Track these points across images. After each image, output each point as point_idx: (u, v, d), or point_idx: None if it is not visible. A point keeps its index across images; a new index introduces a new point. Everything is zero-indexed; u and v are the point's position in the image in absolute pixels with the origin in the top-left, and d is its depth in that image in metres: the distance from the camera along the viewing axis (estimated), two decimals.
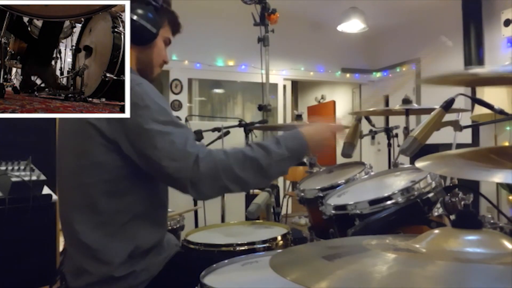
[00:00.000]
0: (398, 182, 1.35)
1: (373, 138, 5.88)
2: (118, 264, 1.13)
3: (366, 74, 6.46)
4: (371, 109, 2.16)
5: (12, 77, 1.08)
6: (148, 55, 1.30)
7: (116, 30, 1.14)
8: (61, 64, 1.13)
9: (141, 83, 1.14)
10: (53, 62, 1.12)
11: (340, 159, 1.70)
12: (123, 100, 1.10)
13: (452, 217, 1.15)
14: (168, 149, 1.07)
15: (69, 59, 1.13)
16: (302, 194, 1.61)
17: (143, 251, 1.17)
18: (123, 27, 1.14)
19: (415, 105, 1.79)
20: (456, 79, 1.01)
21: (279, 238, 1.44)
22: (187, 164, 1.05)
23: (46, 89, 1.12)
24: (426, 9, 5.06)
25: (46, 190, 2.13)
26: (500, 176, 0.77)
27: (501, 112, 1.19)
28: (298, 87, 8.57)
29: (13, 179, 1.98)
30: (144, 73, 1.30)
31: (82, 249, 1.16)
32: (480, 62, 4.47)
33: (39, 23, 1.09)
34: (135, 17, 1.21)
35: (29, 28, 1.09)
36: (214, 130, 2.30)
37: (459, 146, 1.21)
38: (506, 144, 4.04)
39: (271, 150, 1.11)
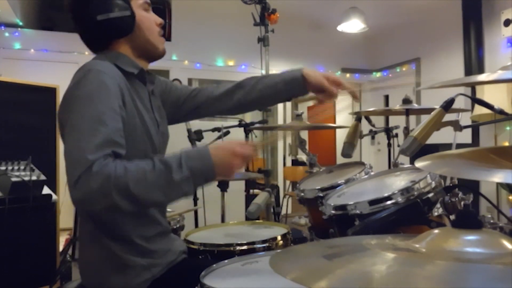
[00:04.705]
0: (398, 182, 1.35)
1: (373, 138, 5.89)
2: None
3: (366, 74, 6.46)
4: (371, 109, 2.16)
5: None
6: (141, 36, 1.22)
7: None
8: None
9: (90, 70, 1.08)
10: None
11: (340, 159, 1.70)
12: None
13: (452, 217, 1.15)
14: (68, 149, 1.00)
15: None
16: (302, 194, 1.61)
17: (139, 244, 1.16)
18: None
19: (415, 105, 1.79)
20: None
21: (279, 238, 1.44)
22: (76, 174, 0.94)
23: None
24: (426, 9, 5.07)
25: (46, 190, 2.13)
26: (500, 176, 0.77)
27: (501, 112, 1.19)
28: None
29: (13, 179, 1.98)
30: (148, 54, 1.25)
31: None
32: (480, 62, 4.47)
33: None
34: (104, 17, 1.13)
35: None
36: (214, 130, 2.30)
37: (459, 146, 1.21)
38: (506, 144, 4.04)
39: (172, 169, 0.97)
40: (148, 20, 1.24)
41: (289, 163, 7.01)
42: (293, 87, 1.33)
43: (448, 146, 1.32)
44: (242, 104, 1.39)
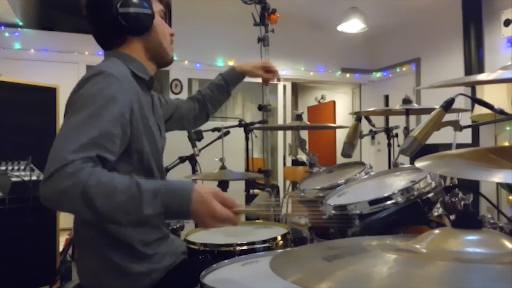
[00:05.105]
0: (398, 182, 1.35)
1: (373, 138, 5.89)
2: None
3: (366, 74, 6.46)
4: (371, 109, 2.16)
5: None
6: (155, 39, 1.26)
7: None
8: None
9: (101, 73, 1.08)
10: None
11: (340, 159, 1.70)
12: None
13: (452, 217, 1.15)
14: (54, 144, 0.97)
15: None
16: (302, 194, 1.61)
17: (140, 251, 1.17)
18: None
19: (415, 105, 1.79)
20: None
21: (279, 238, 1.44)
22: (51, 170, 0.93)
23: None
24: (426, 9, 5.07)
25: None
26: (500, 176, 0.77)
27: (501, 112, 1.19)
28: (298, 87, 8.57)
29: (13, 179, 1.98)
30: (159, 58, 1.28)
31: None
32: (480, 62, 4.47)
33: None
34: (126, 10, 1.16)
35: None
36: (214, 130, 2.30)
37: (459, 146, 1.21)
38: (506, 144, 4.04)
39: (143, 200, 0.92)
40: (163, 26, 1.29)
41: (289, 163, 7.02)
42: (234, 80, 1.71)
43: (448, 146, 1.31)
44: (211, 113, 1.71)
